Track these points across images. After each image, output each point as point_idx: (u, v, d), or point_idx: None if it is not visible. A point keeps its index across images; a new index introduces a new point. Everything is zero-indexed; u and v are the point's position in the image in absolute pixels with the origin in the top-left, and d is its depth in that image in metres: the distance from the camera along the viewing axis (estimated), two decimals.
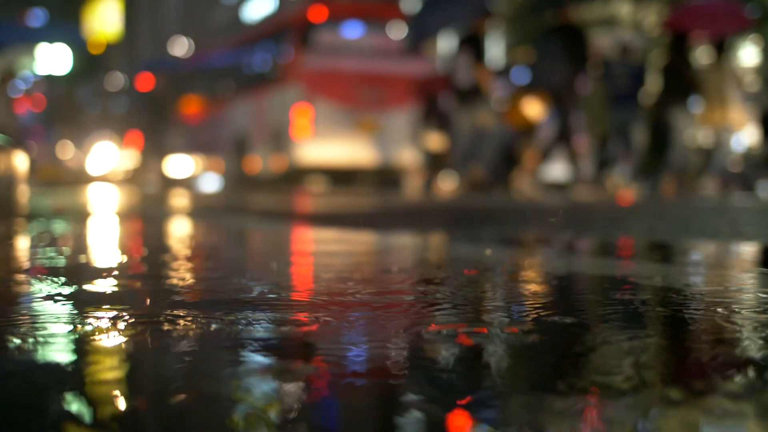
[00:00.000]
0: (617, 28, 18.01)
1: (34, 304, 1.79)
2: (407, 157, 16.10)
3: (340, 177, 16.35)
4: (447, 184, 13.38)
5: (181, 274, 2.35)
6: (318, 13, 16.39)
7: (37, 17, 47.79)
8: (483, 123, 11.36)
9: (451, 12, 12.56)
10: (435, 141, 13.78)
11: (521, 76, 12.88)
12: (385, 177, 16.73)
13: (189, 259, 2.90)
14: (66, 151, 24.60)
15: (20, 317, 1.60)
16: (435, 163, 13.96)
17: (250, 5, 35.92)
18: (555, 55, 10.01)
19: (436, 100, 13.88)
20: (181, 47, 32.60)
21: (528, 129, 11.93)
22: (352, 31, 16.66)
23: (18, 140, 15.70)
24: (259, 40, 18.84)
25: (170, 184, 20.89)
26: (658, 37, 16.44)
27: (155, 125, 15.47)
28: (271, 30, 18.35)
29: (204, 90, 21.35)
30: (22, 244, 3.56)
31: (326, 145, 15.70)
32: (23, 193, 4.82)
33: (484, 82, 11.40)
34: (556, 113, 10.65)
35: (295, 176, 16.47)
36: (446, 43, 17.10)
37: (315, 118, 15.79)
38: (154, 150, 22.74)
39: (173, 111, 17.09)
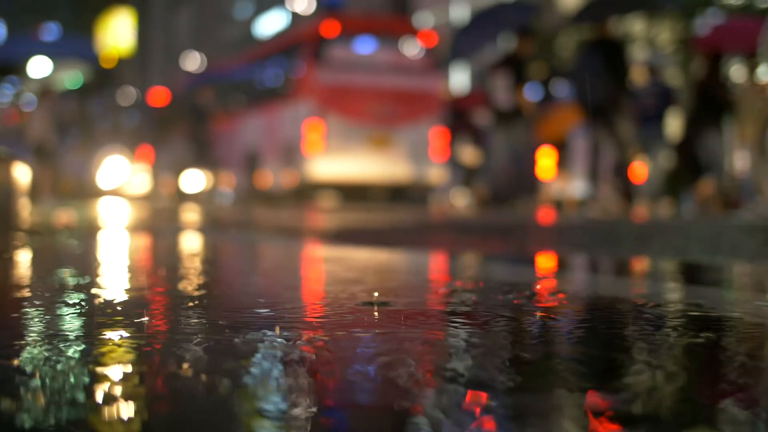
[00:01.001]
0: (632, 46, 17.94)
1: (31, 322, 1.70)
2: (420, 172, 16.04)
3: (352, 193, 16.28)
4: (461, 200, 13.37)
5: (188, 292, 2.26)
6: (330, 28, 16.36)
7: (50, 31, 48.06)
8: (520, 143, 11.30)
9: (491, 31, 12.58)
10: (469, 156, 13.81)
11: (555, 89, 12.85)
12: (397, 193, 16.66)
13: (196, 276, 2.81)
14: (76, 164, 24.57)
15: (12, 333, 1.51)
16: (467, 177, 13.99)
17: (263, 20, 36.09)
18: (595, 69, 9.91)
19: (467, 116, 13.96)
20: (193, 62, 32.71)
21: (558, 142, 11.91)
22: (365, 46, 16.62)
23: (51, 155, 15.68)
24: (271, 55, 18.83)
25: (182, 198, 20.85)
26: (673, 54, 16.35)
27: (201, 134, 15.53)
28: (284, 45, 18.36)
29: (216, 104, 21.34)
30: (17, 260, 3.47)
31: (338, 161, 15.63)
32: (24, 206, 4.73)
33: (525, 105, 11.32)
34: (589, 127, 10.56)
35: (307, 192, 16.40)
36: (482, 61, 17.11)
37: (327, 133, 15.74)
38: (166, 164, 22.73)
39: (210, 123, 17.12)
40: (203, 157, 15.64)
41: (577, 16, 11.52)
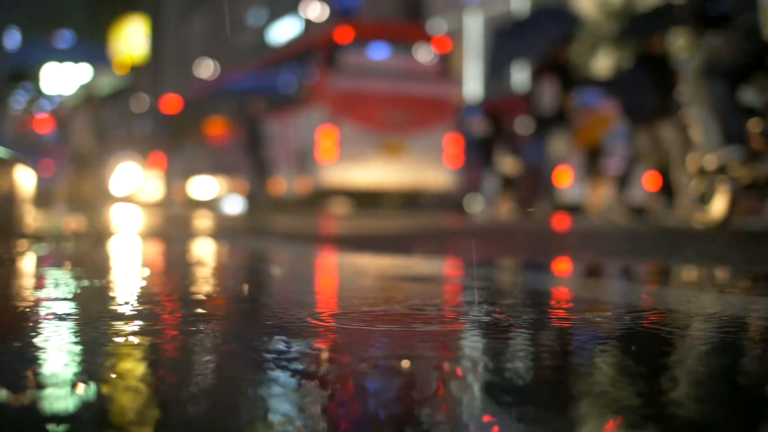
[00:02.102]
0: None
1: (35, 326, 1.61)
2: (434, 179, 15.97)
3: (366, 199, 16.21)
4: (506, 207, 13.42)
5: (199, 296, 2.18)
6: (344, 35, 16.31)
7: (64, 38, 48.31)
8: (558, 150, 11.28)
9: (531, 39, 12.59)
10: (509, 165, 13.83)
11: (591, 96, 12.83)
12: (410, 199, 16.58)
13: (208, 281, 2.73)
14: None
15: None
16: (506, 185, 14.03)
17: (276, 27, 36.09)
18: (641, 84, 9.88)
19: (504, 123, 13.97)
20: (206, 69, 32.75)
21: (594, 150, 11.88)
22: (378, 52, 16.56)
23: (92, 163, 15.61)
24: (284, 62, 18.79)
25: (194, 205, 20.82)
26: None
27: (256, 145, 15.25)
28: (297, 51, 18.31)
29: (229, 111, 21.32)
30: (15, 265, 3.39)
31: (351, 167, 15.56)
32: (28, 212, 4.64)
33: (570, 110, 11.33)
34: (630, 135, 10.58)
35: (320, 198, 16.34)
36: (522, 68, 17.06)
37: (340, 139, 15.67)
38: (178, 171, 22.73)
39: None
40: (261, 169, 15.31)
41: (623, 30, 11.44)
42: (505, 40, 13.78)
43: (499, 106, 14.96)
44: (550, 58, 11.65)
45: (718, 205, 6.27)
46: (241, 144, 15.94)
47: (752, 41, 5.99)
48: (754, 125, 6.02)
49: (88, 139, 15.64)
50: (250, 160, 15.48)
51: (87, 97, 17.21)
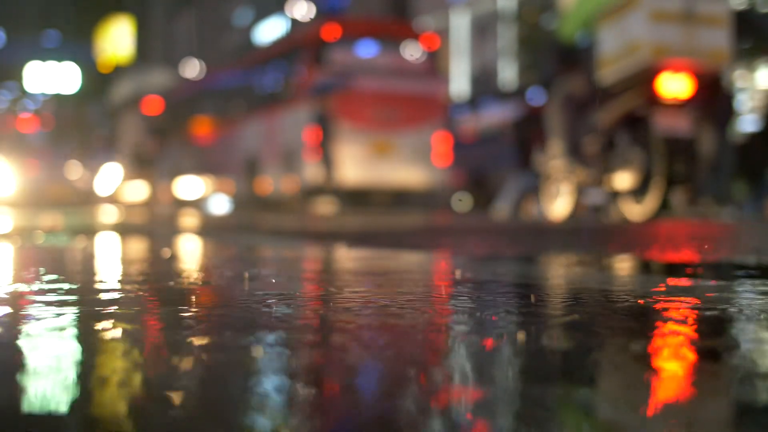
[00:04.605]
0: None
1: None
2: (423, 177, 15.83)
3: (353, 198, 16.03)
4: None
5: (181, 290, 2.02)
6: (331, 32, 16.13)
7: (51, 38, 47.98)
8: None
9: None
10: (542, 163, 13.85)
11: None
12: (399, 198, 16.43)
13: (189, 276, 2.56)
14: (74, 171, 24.35)
15: None
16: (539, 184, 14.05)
17: (262, 27, 35.91)
18: None
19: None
20: (192, 69, 32.53)
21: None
22: (366, 50, 16.39)
23: (150, 161, 15.32)
24: (271, 60, 18.58)
25: (180, 205, 20.60)
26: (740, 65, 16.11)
27: (328, 147, 14.76)
28: (284, 49, 18.10)
29: (215, 110, 21.12)
30: None
31: (339, 166, 15.38)
32: None
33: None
34: None
35: (307, 197, 16.16)
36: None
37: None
38: (164, 171, 22.49)
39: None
40: (329, 172, 14.88)
41: None
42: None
43: (537, 106, 14.86)
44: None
45: (561, 204, 8.26)
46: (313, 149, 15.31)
47: (592, 83, 8.05)
48: (590, 142, 8.04)
49: (142, 137, 15.43)
50: (324, 166, 15.05)
51: (135, 98, 16.96)
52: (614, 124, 7.87)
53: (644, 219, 7.49)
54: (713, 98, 7.85)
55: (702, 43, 7.42)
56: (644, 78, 7.42)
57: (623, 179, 7.71)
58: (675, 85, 7.36)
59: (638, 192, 7.65)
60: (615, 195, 8.08)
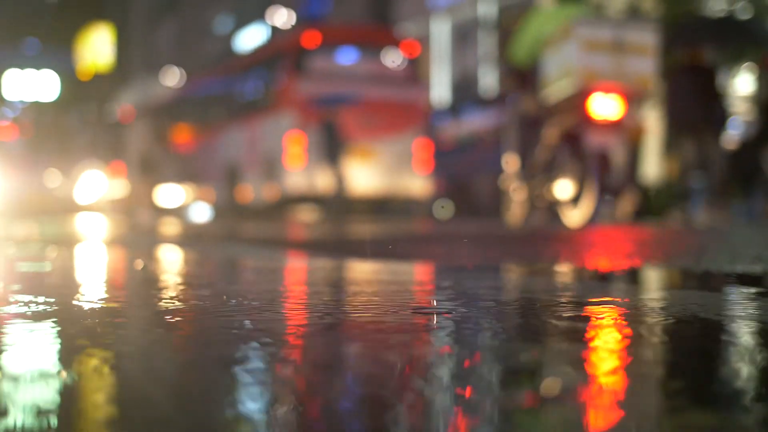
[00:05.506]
0: None
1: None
2: (404, 184, 15.79)
3: (334, 205, 15.96)
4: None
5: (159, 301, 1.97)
6: (311, 39, 16.08)
7: (31, 46, 47.67)
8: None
9: None
10: None
11: None
12: (380, 205, 16.38)
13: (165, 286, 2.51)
14: (53, 179, 24.17)
15: None
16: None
17: (243, 35, 35.81)
18: (687, 94, 10.17)
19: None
20: (173, 77, 32.40)
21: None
22: (347, 57, 16.36)
23: (156, 168, 15.20)
24: (251, 67, 18.50)
25: (160, 213, 20.48)
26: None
27: (336, 160, 14.44)
28: (264, 57, 18.02)
29: (195, 118, 21.00)
30: None
31: (320, 174, 15.30)
32: None
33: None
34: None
35: (288, 205, 16.08)
36: None
37: (308, 145, 15.41)
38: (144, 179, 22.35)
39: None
40: (341, 184, 14.58)
41: (670, 39, 11.37)
42: None
43: None
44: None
45: (515, 212, 9.28)
46: (322, 152, 15.03)
47: (539, 102, 8.76)
48: (537, 156, 8.85)
49: (150, 144, 15.36)
50: (327, 168, 14.82)
51: (147, 107, 16.87)
52: (556, 140, 8.69)
53: (580, 226, 8.12)
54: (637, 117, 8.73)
55: (630, 69, 8.23)
56: (578, 100, 8.19)
57: (563, 189, 8.56)
58: (604, 107, 8.16)
59: (574, 201, 8.43)
60: (557, 204, 8.82)
